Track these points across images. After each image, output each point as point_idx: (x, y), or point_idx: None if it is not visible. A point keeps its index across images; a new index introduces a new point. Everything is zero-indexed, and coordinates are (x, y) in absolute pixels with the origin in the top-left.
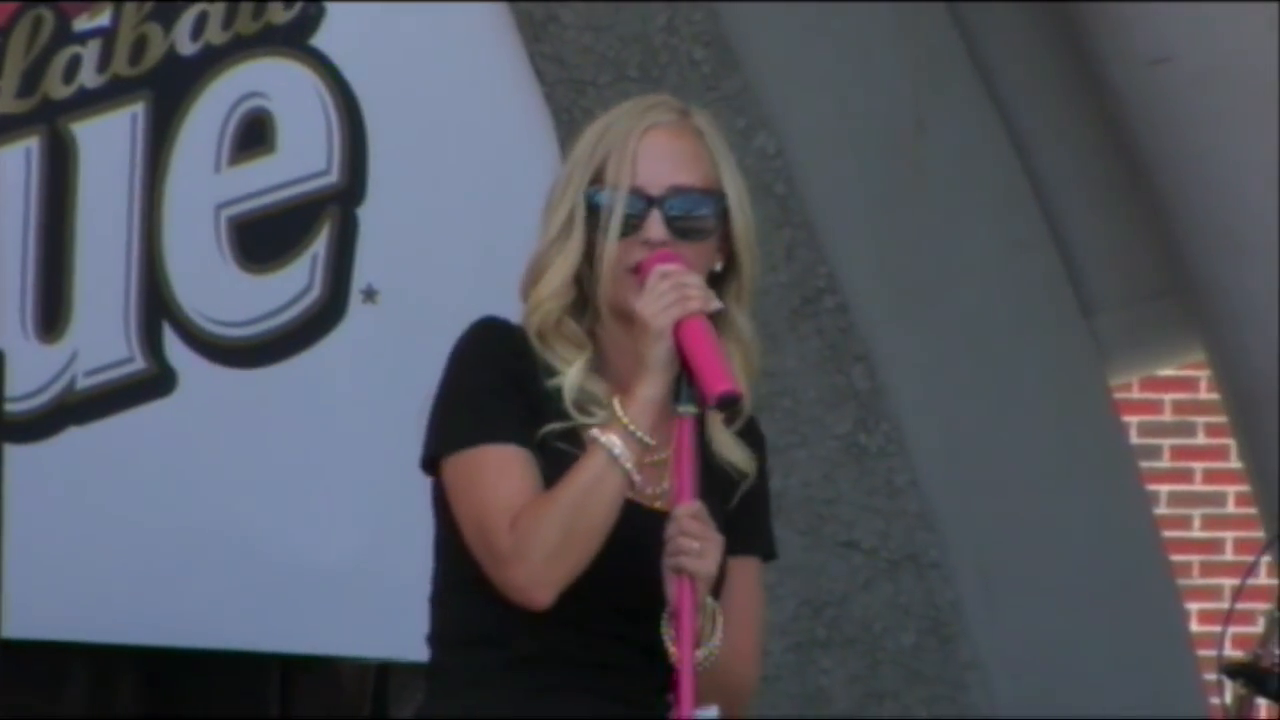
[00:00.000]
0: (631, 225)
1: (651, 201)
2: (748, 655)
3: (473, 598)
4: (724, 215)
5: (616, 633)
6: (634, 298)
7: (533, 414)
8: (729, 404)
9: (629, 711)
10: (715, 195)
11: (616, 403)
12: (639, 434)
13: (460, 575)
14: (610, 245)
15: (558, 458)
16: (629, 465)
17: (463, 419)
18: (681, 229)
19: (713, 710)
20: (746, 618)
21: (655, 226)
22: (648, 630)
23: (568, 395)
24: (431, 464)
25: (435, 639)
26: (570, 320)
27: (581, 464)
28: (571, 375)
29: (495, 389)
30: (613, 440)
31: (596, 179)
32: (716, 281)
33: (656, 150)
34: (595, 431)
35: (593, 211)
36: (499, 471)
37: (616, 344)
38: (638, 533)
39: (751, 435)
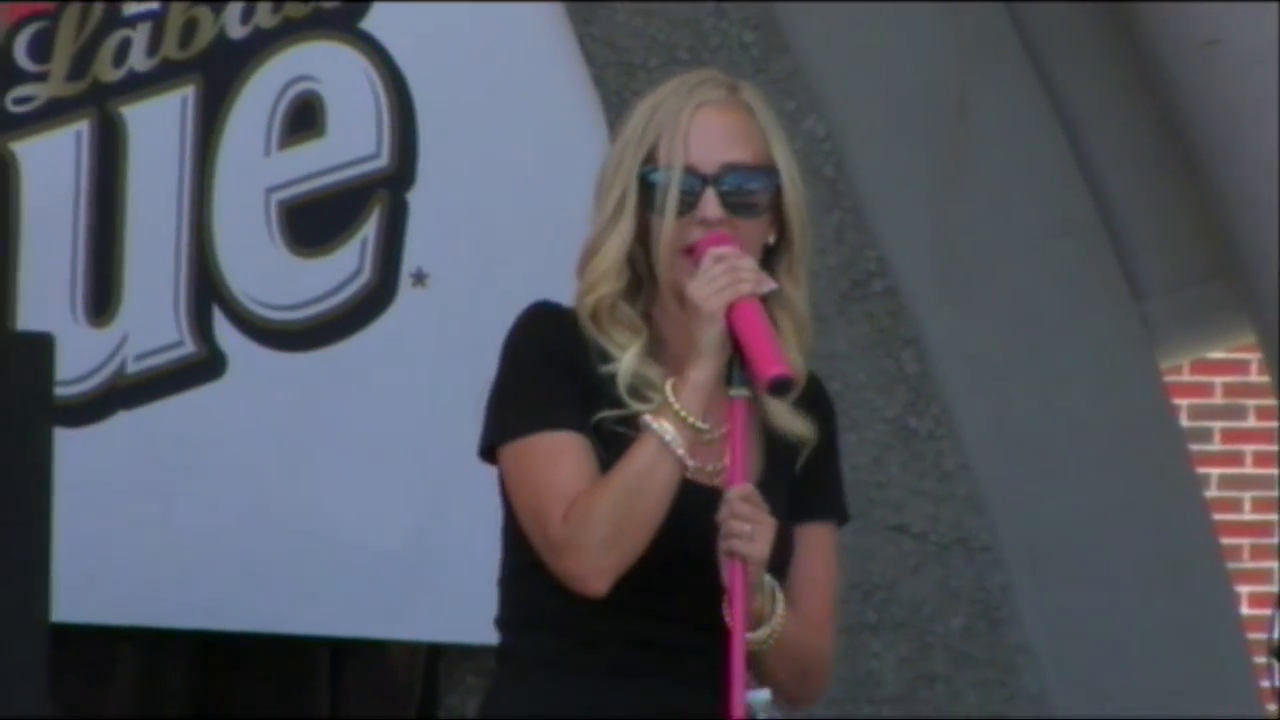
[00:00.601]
0: (686, 204)
1: (705, 179)
2: (822, 624)
3: (539, 582)
4: (777, 190)
5: (681, 612)
6: (688, 279)
7: (587, 399)
8: (781, 387)
9: (695, 694)
10: (768, 170)
11: (668, 387)
12: (691, 419)
13: (525, 560)
14: (666, 225)
15: (615, 442)
16: (681, 451)
17: (517, 407)
18: (735, 205)
19: (764, 693)
20: (818, 586)
21: (710, 205)
22: (712, 608)
23: (622, 381)
24: (489, 453)
25: (504, 623)
26: (624, 304)
27: (633, 451)
28: (627, 361)
29: (549, 376)
30: (664, 426)
31: (649, 159)
32: (769, 256)
33: (708, 127)
34: (647, 418)
35: (646, 191)
36: (553, 459)
37: (673, 325)
38: (698, 511)
39: (818, 401)
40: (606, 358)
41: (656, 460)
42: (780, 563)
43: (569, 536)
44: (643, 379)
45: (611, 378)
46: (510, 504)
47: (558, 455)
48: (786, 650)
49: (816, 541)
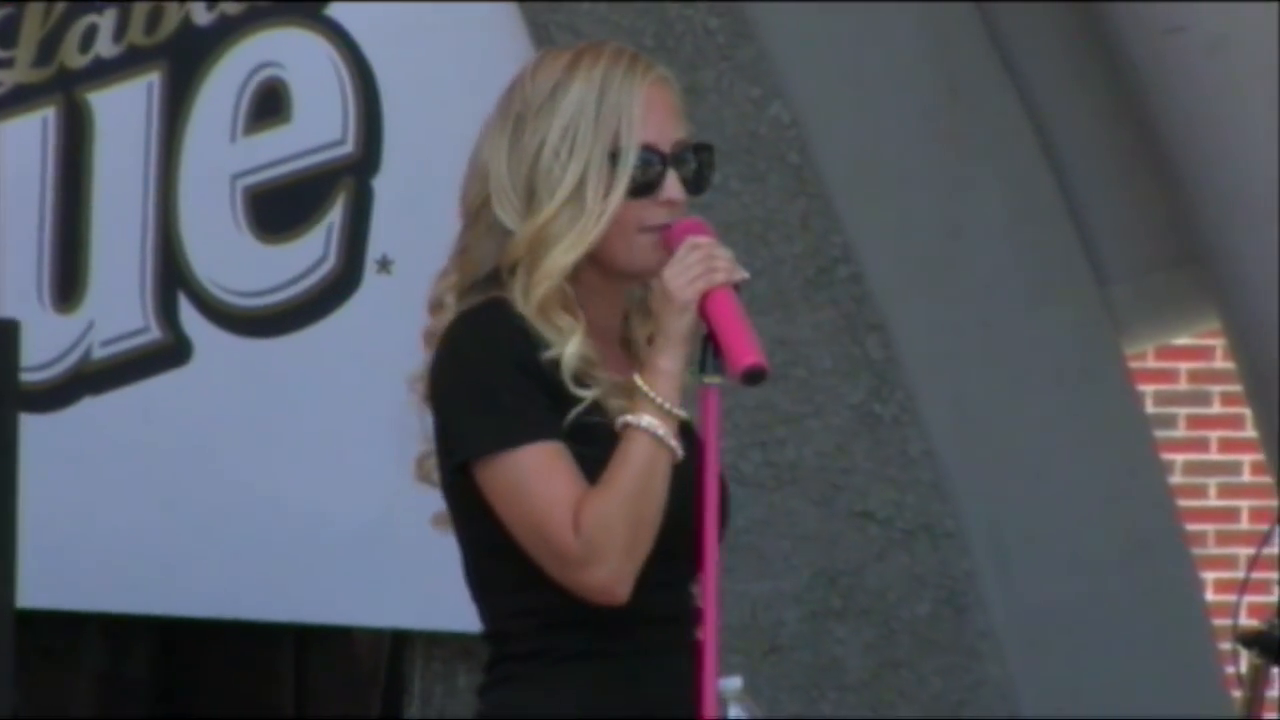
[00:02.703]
0: (650, 184)
1: (665, 159)
2: None
3: (549, 585)
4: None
5: (683, 579)
6: (646, 256)
7: (550, 398)
8: (755, 377)
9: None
10: (707, 147)
11: (639, 379)
12: (672, 409)
13: (529, 568)
14: (635, 206)
15: (589, 431)
16: (673, 442)
17: (492, 420)
18: (694, 184)
19: (736, 680)
20: None
21: (674, 185)
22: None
23: (567, 368)
24: (460, 470)
25: (512, 632)
26: (568, 286)
27: (627, 451)
28: (571, 347)
29: (519, 383)
30: (652, 422)
31: (610, 138)
32: None
33: (663, 105)
34: (629, 418)
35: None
36: (545, 472)
37: (595, 296)
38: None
39: None
40: (545, 344)
41: (654, 457)
42: (728, 495)
43: (586, 549)
44: (585, 359)
45: (554, 364)
46: (491, 518)
47: (548, 466)
48: None
49: None
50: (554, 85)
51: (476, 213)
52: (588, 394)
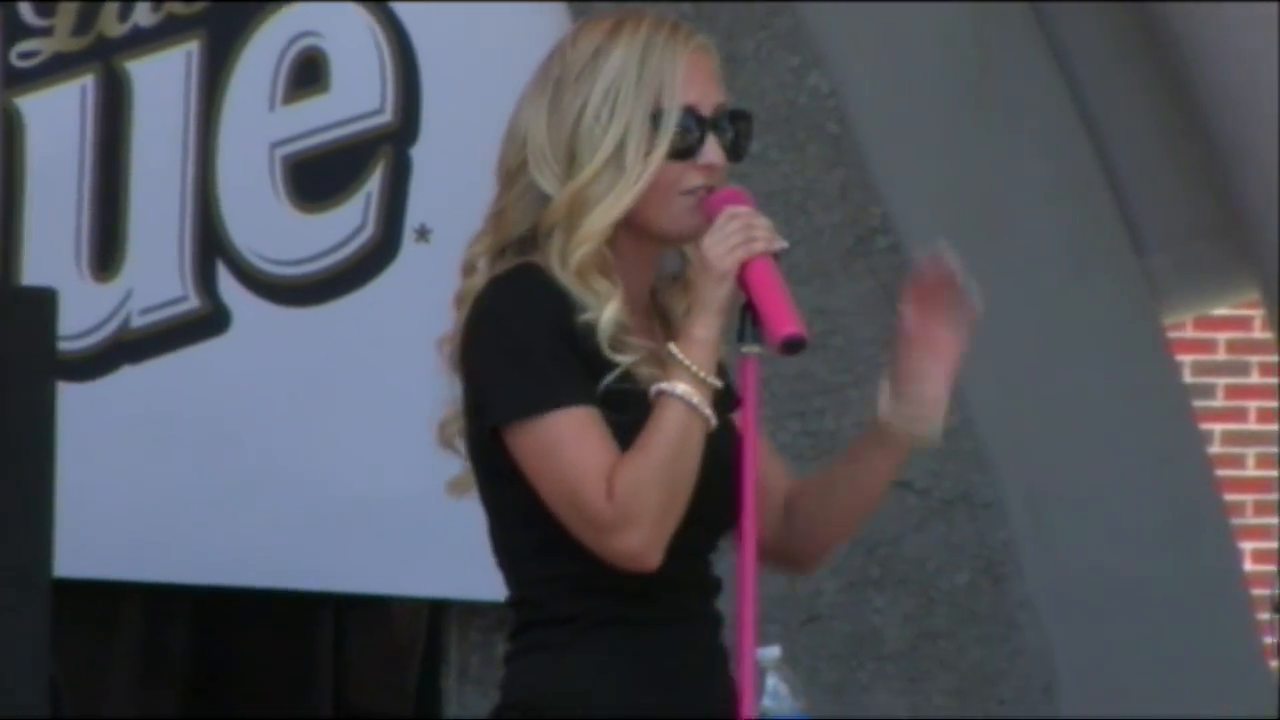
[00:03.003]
0: (690, 148)
1: (705, 123)
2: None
3: (577, 550)
4: None
5: (700, 549)
6: (684, 220)
7: (584, 363)
8: (794, 346)
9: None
10: (745, 115)
11: (674, 348)
12: (707, 378)
13: (555, 533)
14: (675, 168)
15: (621, 398)
16: (707, 411)
17: (526, 384)
18: (732, 150)
19: (774, 649)
20: (781, 483)
21: (714, 149)
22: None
23: (604, 334)
24: (493, 434)
25: (537, 597)
26: (607, 250)
27: (662, 419)
28: (609, 313)
29: (554, 348)
30: (687, 390)
31: (652, 100)
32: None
33: (702, 71)
34: (664, 385)
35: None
36: (578, 437)
37: (626, 261)
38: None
39: None
40: (582, 307)
41: (688, 423)
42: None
43: (620, 515)
44: (621, 325)
45: (589, 327)
46: (521, 484)
47: (582, 432)
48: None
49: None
50: (595, 49)
51: (513, 176)
52: (623, 359)
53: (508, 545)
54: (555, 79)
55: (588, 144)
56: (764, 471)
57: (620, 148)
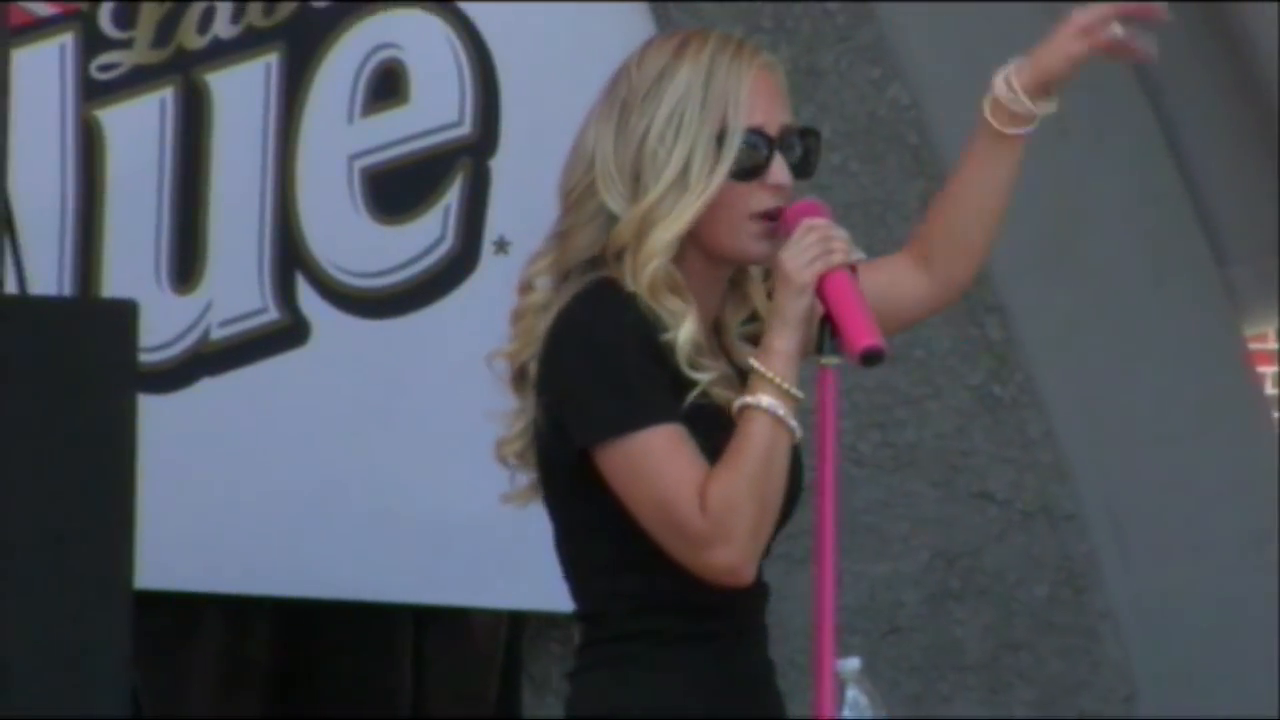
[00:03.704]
0: (757, 167)
1: (772, 143)
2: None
3: (654, 568)
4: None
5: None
6: (751, 244)
7: (673, 382)
8: (873, 359)
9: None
10: (814, 132)
11: (755, 361)
12: (790, 389)
13: (639, 550)
14: (743, 189)
15: (698, 414)
16: (793, 422)
17: (618, 402)
18: (800, 169)
19: (855, 661)
20: (889, 270)
21: (781, 169)
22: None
23: (682, 353)
24: (581, 453)
25: (610, 614)
26: (675, 269)
27: (748, 432)
28: (686, 330)
29: (643, 365)
30: (773, 403)
31: (718, 121)
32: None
33: (769, 90)
34: (748, 399)
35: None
36: (671, 453)
37: (698, 282)
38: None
39: None
40: (662, 326)
41: (775, 436)
42: (801, 475)
43: (715, 530)
44: (697, 343)
45: (670, 347)
46: (597, 500)
47: (673, 449)
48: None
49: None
50: (660, 70)
51: (580, 198)
52: (704, 377)
53: (576, 560)
54: (622, 100)
55: (652, 166)
56: (880, 276)
57: (685, 169)
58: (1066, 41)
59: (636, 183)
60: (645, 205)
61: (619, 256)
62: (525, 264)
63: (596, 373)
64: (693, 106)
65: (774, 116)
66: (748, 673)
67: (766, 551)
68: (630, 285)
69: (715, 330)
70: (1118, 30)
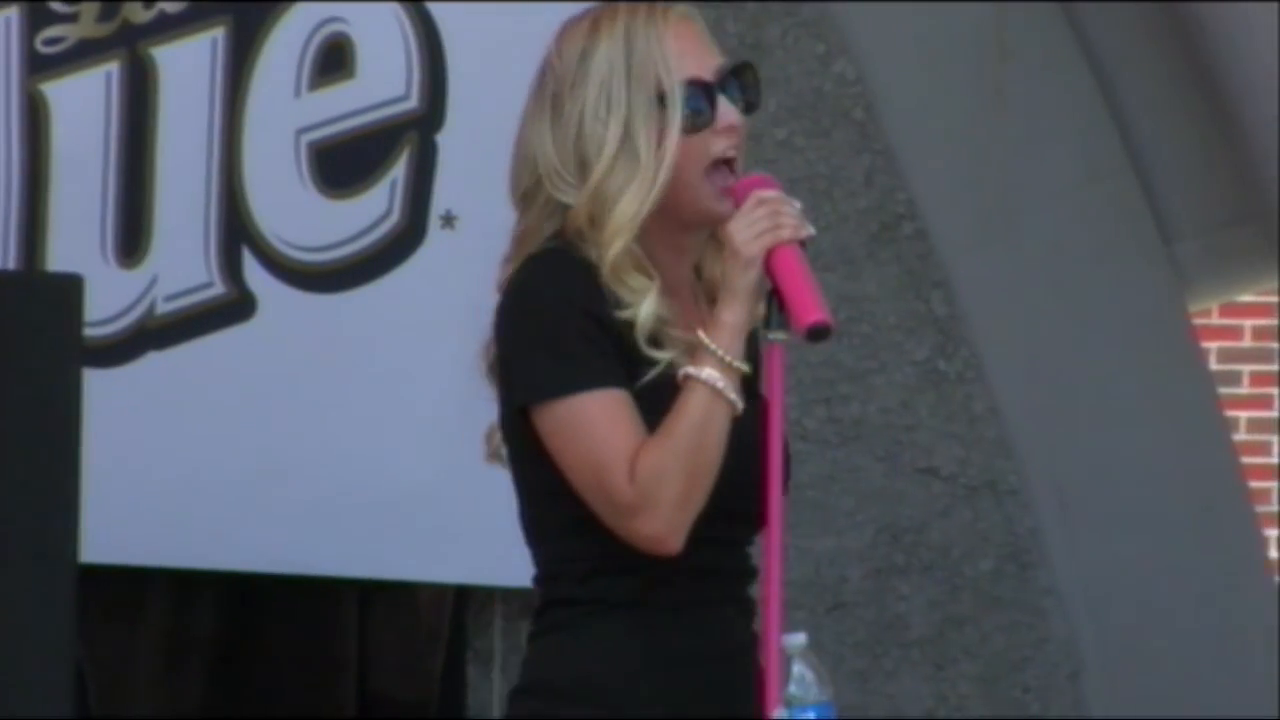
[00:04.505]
0: (704, 119)
1: (712, 87)
2: None
3: (599, 531)
4: None
5: (735, 536)
6: (714, 204)
7: (628, 357)
8: (820, 334)
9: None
10: (748, 66)
11: (702, 333)
12: (733, 362)
13: (579, 514)
14: (696, 142)
15: (663, 390)
16: (733, 395)
17: (557, 364)
18: (747, 104)
19: (800, 636)
20: None
21: (728, 110)
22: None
23: (642, 330)
24: (519, 412)
25: (558, 576)
26: (637, 245)
27: (686, 403)
28: (646, 308)
29: (587, 330)
30: (712, 375)
31: (651, 84)
32: None
33: (693, 39)
34: (690, 369)
35: (654, 118)
36: (605, 418)
37: (661, 247)
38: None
39: None
40: (620, 303)
41: (712, 408)
42: (788, 449)
43: (641, 499)
44: (660, 319)
45: (628, 325)
46: (549, 463)
47: (609, 414)
48: None
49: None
50: (580, 53)
51: (531, 197)
52: (662, 356)
53: (534, 523)
54: (551, 94)
55: (593, 144)
56: None
57: (627, 137)
58: None
59: (583, 168)
60: (593, 183)
61: (580, 237)
62: (499, 266)
63: (537, 335)
64: (618, 77)
65: (706, 62)
66: (699, 646)
67: (750, 536)
68: (592, 257)
69: (707, 291)
70: None
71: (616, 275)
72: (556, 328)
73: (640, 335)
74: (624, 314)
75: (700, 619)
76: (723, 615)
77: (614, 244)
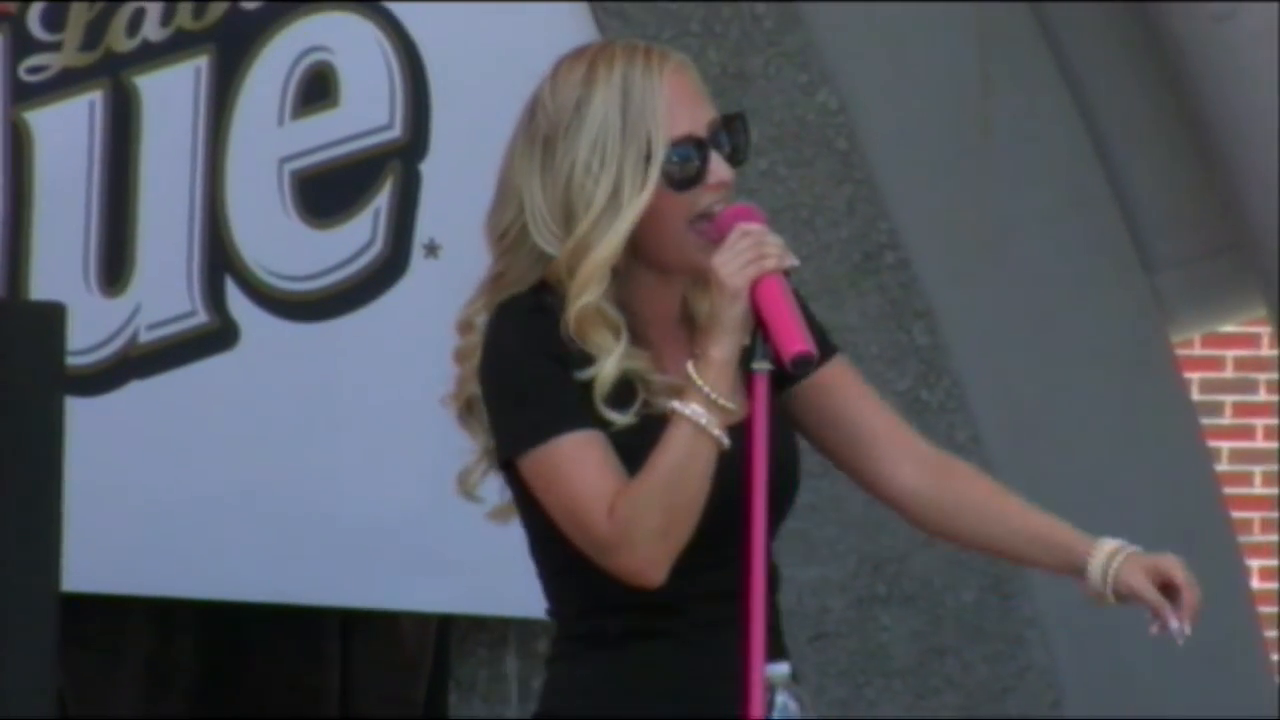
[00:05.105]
0: (697, 174)
1: (704, 144)
2: (910, 443)
3: (594, 570)
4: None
5: (733, 557)
6: (697, 251)
7: (583, 399)
8: (803, 365)
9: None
10: (739, 116)
11: (691, 368)
12: (720, 400)
13: (571, 554)
14: (686, 198)
15: (653, 423)
16: (717, 431)
17: (530, 414)
18: (735, 158)
19: (783, 666)
20: (880, 416)
21: (720, 167)
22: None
23: (600, 391)
24: (507, 466)
25: (567, 613)
26: (606, 303)
27: (669, 439)
28: (609, 368)
29: (556, 375)
30: (697, 411)
31: (643, 141)
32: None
33: (686, 93)
34: (676, 404)
35: (644, 173)
36: (580, 459)
37: (644, 289)
38: (729, 464)
39: None
40: (585, 361)
41: (695, 444)
42: (793, 470)
43: (618, 534)
44: (632, 372)
45: (586, 385)
46: (540, 509)
47: (581, 454)
48: (934, 489)
49: (844, 377)
50: (576, 101)
51: (513, 242)
52: (618, 419)
53: (538, 563)
54: (543, 136)
55: (581, 199)
56: (862, 421)
57: (615, 194)
58: (1142, 577)
59: (568, 221)
60: (577, 237)
61: (562, 287)
62: (464, 305)
63: (502, 389)
64: (613, 133)
65: (699, 117)
66: (699, 670)
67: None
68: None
69: (686, 323)
70: (1172, 623)
71: (581, 330)
72: (524, 377)
73: (598, 395)
74: (583, 375)
75: (700, 641)
76: (723, 635)
77: (581, 296)
